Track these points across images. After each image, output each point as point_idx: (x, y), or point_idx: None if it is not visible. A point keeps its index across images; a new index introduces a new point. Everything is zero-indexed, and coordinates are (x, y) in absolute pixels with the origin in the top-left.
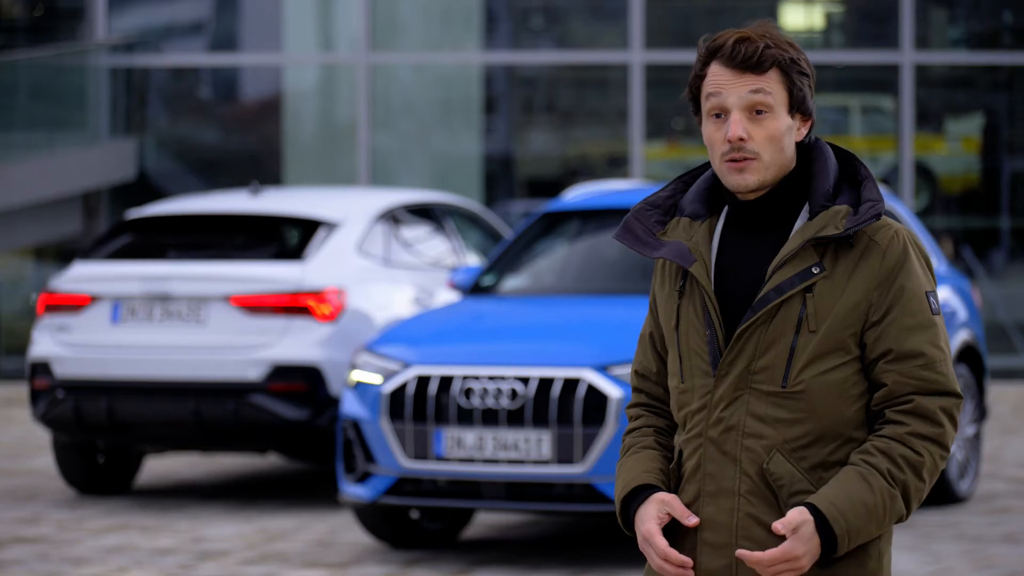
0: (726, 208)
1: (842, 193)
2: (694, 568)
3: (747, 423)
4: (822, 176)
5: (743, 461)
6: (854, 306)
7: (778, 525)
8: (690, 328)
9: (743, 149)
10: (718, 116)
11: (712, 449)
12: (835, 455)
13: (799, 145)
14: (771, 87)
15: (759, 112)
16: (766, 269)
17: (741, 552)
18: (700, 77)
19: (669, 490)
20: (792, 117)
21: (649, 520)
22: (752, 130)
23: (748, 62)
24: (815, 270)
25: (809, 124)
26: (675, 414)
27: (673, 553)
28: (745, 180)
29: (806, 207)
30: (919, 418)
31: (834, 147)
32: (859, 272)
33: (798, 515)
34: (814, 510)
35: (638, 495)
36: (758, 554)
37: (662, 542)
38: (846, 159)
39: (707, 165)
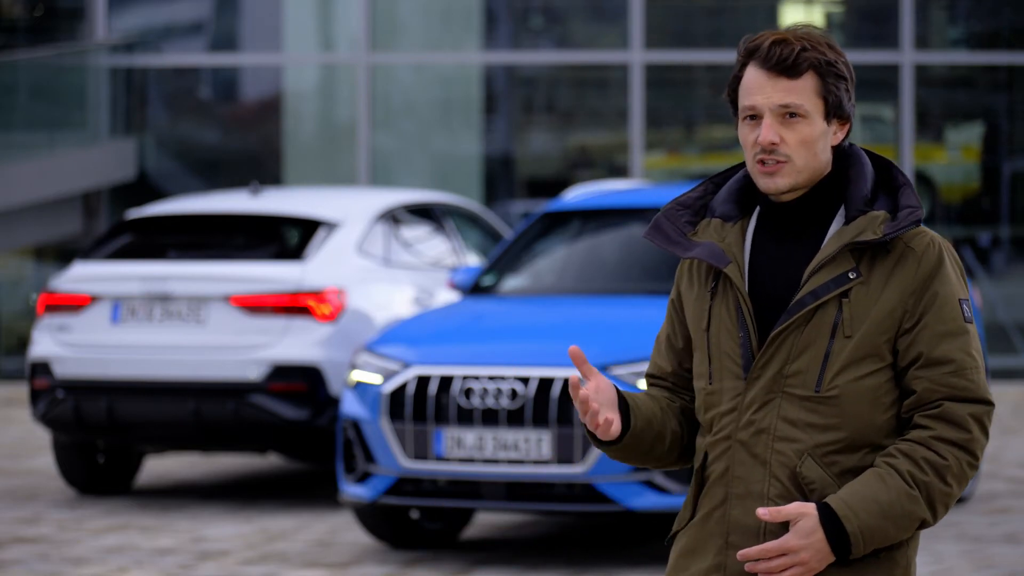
0: (757, 210)
1: (879, 199)
2: (723, 570)
3: (778, 427)
4: (859, 181)
5: (773, 465)
6: (889, 312)
7: (762, 510)
8: (722, 330)
9: (774, 153)
10: (752, 118)
11: (741, 452)
12: (864, 462)
13: (836, 150)
14: (806, 91)
15: (792, 116)
16: (800, 272)
17: (741, 553)
18: (737, 78)
19: (647, 416)
20: (828, 122)
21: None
22: (784, 134)
23: (783, 65)
24: (852, 275)
25: (847, 128)
26: (700, 416)
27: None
28: (776, 184)
29: (841, 211)
30: (946, 423)
31: (870, 153)
32: (895, 278)
33: (796, 507)
34: (824, 507)
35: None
36: (755, 548)
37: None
38: (883, 165)
39: (738, 167)
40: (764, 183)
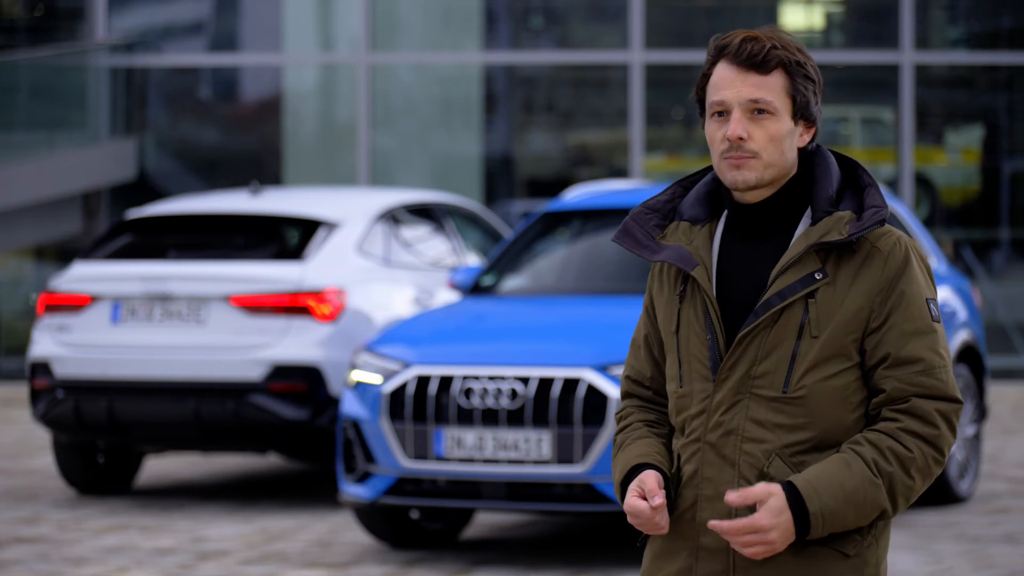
0: (725, 213)
1: (845, 199)
2: (692, 572)
3: (746, 428)
4: (824, 182)
5: (741, 466)
6: (856, 312)
7: (731, 494)
8: (690, 332)
9: (742, 148)
10: (720, 114)
11: (710, 453)
12: None
13: (802, 152)
14: (774, 88)
15: (760, 112)
16: (767, 274)
17: (712, 523)
18: (706, 76)
19: (669, 467)
20: (795, 122)
21: (630, 495)
22: (752, 130)
23: (753, 60)
24: (818, 276)
25: (813, 131)
26: (673, 419)
27: (649, 502)
28: (743, 176)
29: (807, 213)
30: (913, 417)
31: (837, 154)
32: (861, 278)
33: (763, 488)
34: (789, 486)
35: (633, 476)
36: (726, 523)
37: (641, 504)
38: (849, 166)
39: (706, 170)
40: (731, 176)
